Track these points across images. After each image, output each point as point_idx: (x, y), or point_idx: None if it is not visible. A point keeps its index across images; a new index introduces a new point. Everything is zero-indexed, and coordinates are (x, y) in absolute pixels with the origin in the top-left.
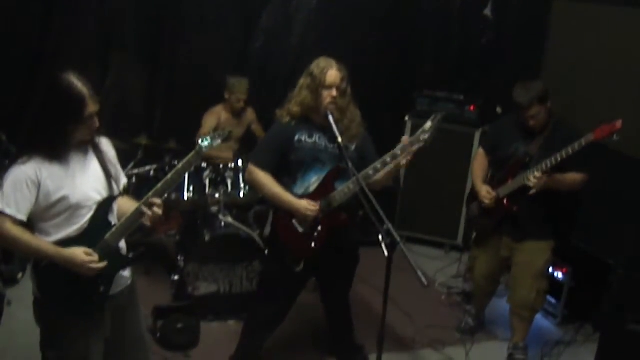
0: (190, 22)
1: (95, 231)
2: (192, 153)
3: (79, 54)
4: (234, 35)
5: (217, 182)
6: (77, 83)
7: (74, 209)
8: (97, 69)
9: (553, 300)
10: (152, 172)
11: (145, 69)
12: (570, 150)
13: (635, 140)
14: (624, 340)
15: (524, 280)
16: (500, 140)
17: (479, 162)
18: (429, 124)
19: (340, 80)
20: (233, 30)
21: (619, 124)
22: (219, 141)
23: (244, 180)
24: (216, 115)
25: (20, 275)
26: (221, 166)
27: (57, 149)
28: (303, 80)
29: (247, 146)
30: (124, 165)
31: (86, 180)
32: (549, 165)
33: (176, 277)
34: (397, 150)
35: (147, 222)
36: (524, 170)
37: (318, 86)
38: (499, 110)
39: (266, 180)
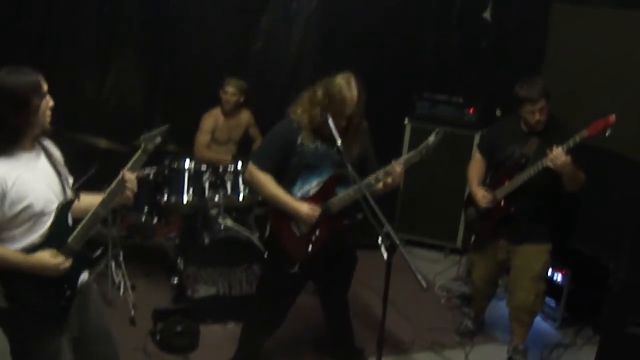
0: (190, 24)
1: (58, 236)
2: (138, 152)
3: (79, 55)
4: (234, 37)
5: (217, 184)
6: (20, 67)
7: (38, 216)
8: (97, 71)
9: (553, 303)
10: (151, 175)
11: (145, 71)
12: (566, 147)
13: (635, 143)
14: (624, 343)
15: (522, 284)
16: (496, 143)
17: (475, 166)
18: (432, 139)
19: (359, 107)
20: (233, 32)
21: (612, 118)
22: (159, 138)
23: (243, 183)
24: (213, 118)
25: None
26: (220, 169)
27: (17, 140)
28: (320, 96)
29: (244, 149)
30: (122, 168)
31: (44, 184)
32: (572, 145)
33: (175, 280)
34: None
35: (129, 198)
36: (521, 172)
37: (336, 111)
38: (498, 113)
39: (266, 180)
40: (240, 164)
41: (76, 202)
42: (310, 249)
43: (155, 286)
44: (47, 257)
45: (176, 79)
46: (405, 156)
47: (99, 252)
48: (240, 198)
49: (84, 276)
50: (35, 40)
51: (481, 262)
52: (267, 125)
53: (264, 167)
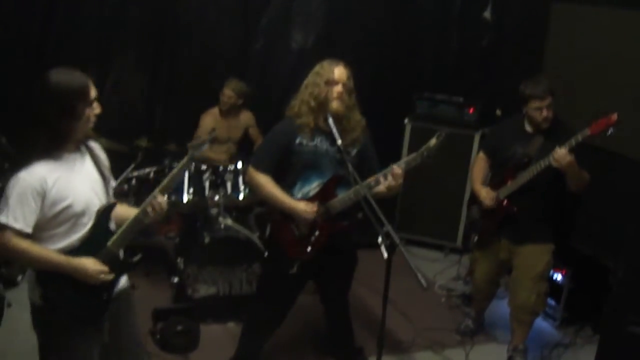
0: (190, 24)
1: (97, 239)
2: (186, 158)
3: (80, 56)
4: (234, 37)
5: (217, 184)
6: (72, 70)
7: (78, 217)
8: (97, 71)
9: (552, 302)
10: (152, 175)
11: (145, 71)
12: (568, 146)
13: (635, 142)
14: (624, 342)
15: (524, 283)
16: (500, 142)
17: (479, 165)
18: (433, 141)
19: (347, 78)
20: (233, 32)
21: (614, 117)
22: (206, 145)
23: (243, 183)
24: (212, 117)
25: (20, 277)
26: (221, 168)
27: (59, 142)
28: (309, 79)
29: (244, 149)
30: (123, 168)
31: (87, 186)
32: (575, 144)
33: (176, 280)
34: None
35: (151, 219)
36: (523, 172)
37: (324, 82)
38: (498, 112)
39: (265, 181)
40: (240, 163)
41: (118, 207)
42: (309, 249)
43: (155, 285)
44: (92, 263)
45: (176, 79)
46: (405, 159)
47: (138, 256)
48: (241, 197)
49: (123, 282)
50: (35, 40)
51: (483, 262)
52: (267, 126)
53: (262, 169)
